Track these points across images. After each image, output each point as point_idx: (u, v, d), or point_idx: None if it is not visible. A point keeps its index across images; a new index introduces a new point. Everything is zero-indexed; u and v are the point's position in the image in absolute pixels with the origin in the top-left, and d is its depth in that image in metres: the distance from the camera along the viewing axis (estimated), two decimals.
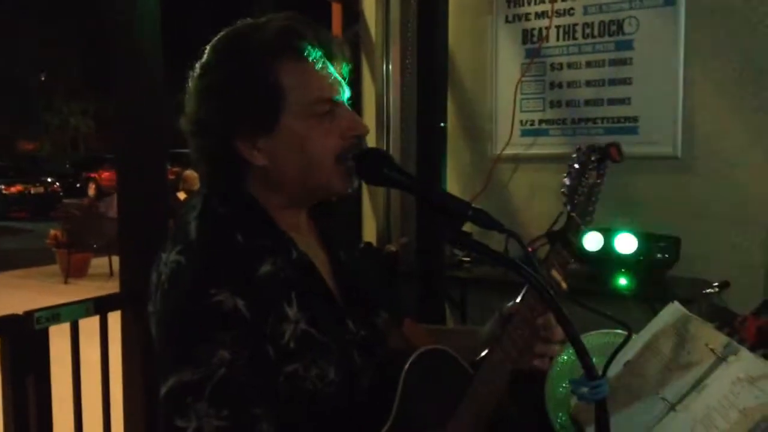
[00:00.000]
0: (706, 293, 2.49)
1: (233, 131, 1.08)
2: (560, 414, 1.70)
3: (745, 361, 1.10)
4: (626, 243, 2.62)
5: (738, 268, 2.57)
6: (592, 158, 1.39)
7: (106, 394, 2.11)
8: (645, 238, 2.62)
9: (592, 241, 2.61)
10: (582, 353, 0.90)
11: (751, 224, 2.59)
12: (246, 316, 0.98)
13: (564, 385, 1.74)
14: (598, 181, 1.40)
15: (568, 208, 1.37)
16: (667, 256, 2.61)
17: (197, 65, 1.11)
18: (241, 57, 1.08)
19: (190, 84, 1.11)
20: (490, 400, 1.15)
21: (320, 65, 1.09)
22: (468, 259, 2.96)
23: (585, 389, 0.91)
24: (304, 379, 1.04)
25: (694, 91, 2.64)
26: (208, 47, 1.11)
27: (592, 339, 1.67)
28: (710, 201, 2.65)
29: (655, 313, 1.85)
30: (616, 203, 2.69)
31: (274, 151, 1.09)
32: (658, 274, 2.65)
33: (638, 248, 2.62)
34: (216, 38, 1.12)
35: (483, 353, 1.22)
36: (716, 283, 2.49)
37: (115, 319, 2.11)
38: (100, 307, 2.08)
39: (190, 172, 7.55)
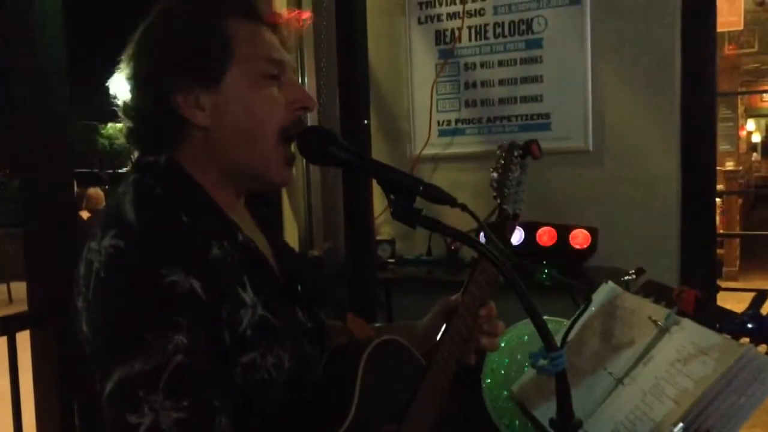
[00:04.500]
0: (624, 280, 2.57)
1: (175, 84, 1.02)
2: (498, 403, 1.70)
3: (688, 330, 1.12)
4: (546, 236, 2.68)
5: (652, 255, 2.66)
6: (515, 154, 1.42)
7: (18, 423, 1.96)
8: (564, 231, 2.68)
9: (515, 236, 2.65)
10: (539, 324, 0.89)
11: (661, 212, 2.69)
12: (203, 298, 0.90)
13: (502, 371, 1.74)
14: (522, 175, 1.43)
15: (499, 201, 1.38)
16: (585, 246, 2.67)
17: (140, 27, 1.05)
18: (191, 9, 1.04)
19: (129, 45, 1.05)
20: (443, 391, 1.14)
21: (269, 29, 1.05)
22: (392, 260, 2.95)
23: (544, 361, 0.90)
24: (259, 368, 0.97)
25: (602, 86, 2.73)
26: (154, 10, 1.06)
27: (530, 326, 1.68)
28: (622, 192, 2.74)
29: (575, 302, 1.88)
30: (535, 198, 2.75)
31: (217, 111, 1.03)
32: (577, 265, 2.71)
33: (558, 240, 2.67)
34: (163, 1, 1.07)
35: (429, 345, 1.21)
36: (632, 271, 2.58)
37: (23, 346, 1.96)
38: (6, 327, 1.94)
39: (93, 190, 7.24)
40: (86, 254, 0.97)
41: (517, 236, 2.65)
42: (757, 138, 15.63)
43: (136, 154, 1.10)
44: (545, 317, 1.76)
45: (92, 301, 0.94)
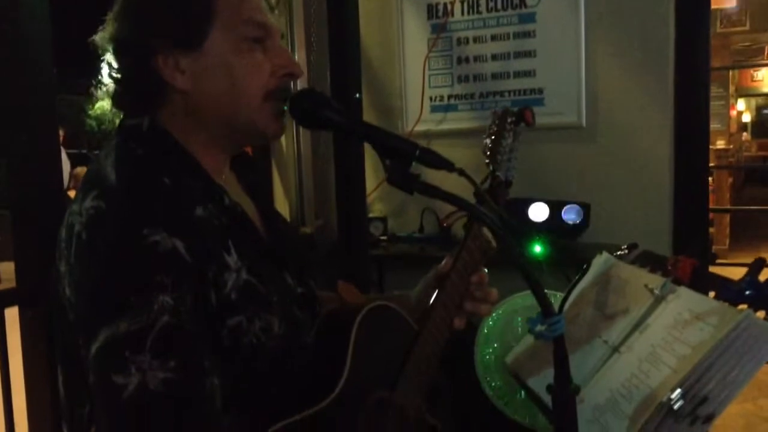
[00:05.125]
0: (617, 256, 2.57)
1: (155, 46, 1.00)
2: (491, 378, 1.69)
3: (685, 298, 1.11)
4: (538, 211, 2.67)
5: (644, 230, 2.66)
6: (508, 120, 1.41)
7: (8, 399, 1.94)
8: (556, 206, 2.67)
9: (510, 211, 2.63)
10: (536, 289, 0.88)
11: (654, 188, 2.69)
12: (186, 258, 0.89)
13: (495, 345, 1.74)
14: (515, 143, 1.42)
15: (491, 167, 1.37)
16: (578, 222, 2.67)
17: None
18: None
19: (115, 6, 1.03)
20: (435, 358, 1.13)
21: None
22: (385, 237, 2.93)
23: (542, 327, 0.89)
24: (246, 332, 0.96)
25: (595, 61, 2.71)
26: None
27: (525, 299, 1.67)
28: (615, 167, 2.73)
29: (567, 278, 1.87)
30: (527, 173, 2.73)
31: (198, 75, 1.01)
32: (569, 241, 2.71)
33: (550, 216, 2.67)
34: None
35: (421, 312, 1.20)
36: (625, 246, 2.57)
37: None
38: None
39: (81, 170, 7.17)
40: (67, 217, 0.96)
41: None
42: (747, 117, 15.67)
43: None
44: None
45: (74, 264, 0.92)
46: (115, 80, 1.06)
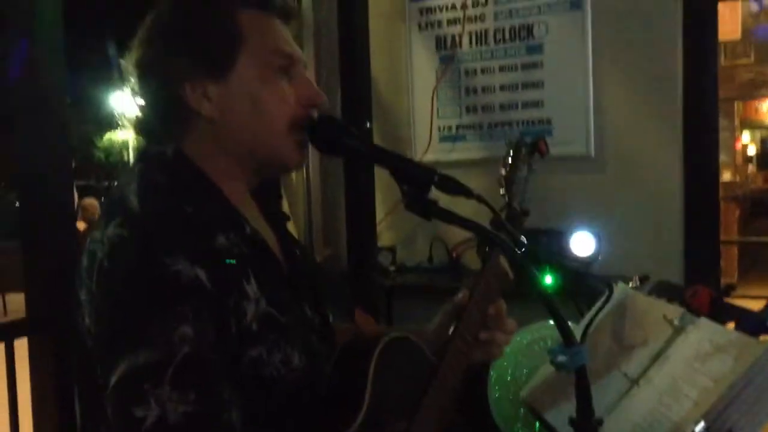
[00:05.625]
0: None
1: (183, 74, 1.00)
2: (504, 411, 1.67)
3: (705, 329, 1.10)
4: (550, 242, 2.65)
5: (655, 261, 2.64)
6: (523, 151, 1.41)
7: (15, 428, 1.93)
8: (566, 236, 2.65)
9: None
10: (558, 317, 0.87)
11: (664, 218, 2.67)
12: (208, 287, 0.88)
13: (508, 378, 1.71)
14: (530, 173, 1.42)
15: (506, 198, 1.36)
16: (588, 252, 2.64)
17: (151, 13, 1.03)
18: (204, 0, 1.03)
19: (141, 31, 1.03)
20: (453, 391, 1.11)
21: (282, 21, 1.04)
22: (393, 267, 2.92)
23: (563, 357, 0.87)
24: (266, 364, 0.94)
25: (603, 91, 2.71)
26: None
27: (541, 330, 1.65)
28: (624, 198, 2.72)
29: (579, 309, 1.85)
30: (535, 202, 2.73)
31: (224, 103, 1.01)
32: (580, 271, 2.68)
33: (560, 246, 2.64)
34: None
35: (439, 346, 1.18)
36: (636, 277, 2.55)
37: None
38: (5, 334, 1.92)
39: (89, 201, 7.19)
40: (89, 245, 0.95)
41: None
42: (752, 150, 15.67)
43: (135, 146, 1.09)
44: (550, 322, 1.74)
45: (96, 293, 0.91)
46: (140, 106, 1.06)
